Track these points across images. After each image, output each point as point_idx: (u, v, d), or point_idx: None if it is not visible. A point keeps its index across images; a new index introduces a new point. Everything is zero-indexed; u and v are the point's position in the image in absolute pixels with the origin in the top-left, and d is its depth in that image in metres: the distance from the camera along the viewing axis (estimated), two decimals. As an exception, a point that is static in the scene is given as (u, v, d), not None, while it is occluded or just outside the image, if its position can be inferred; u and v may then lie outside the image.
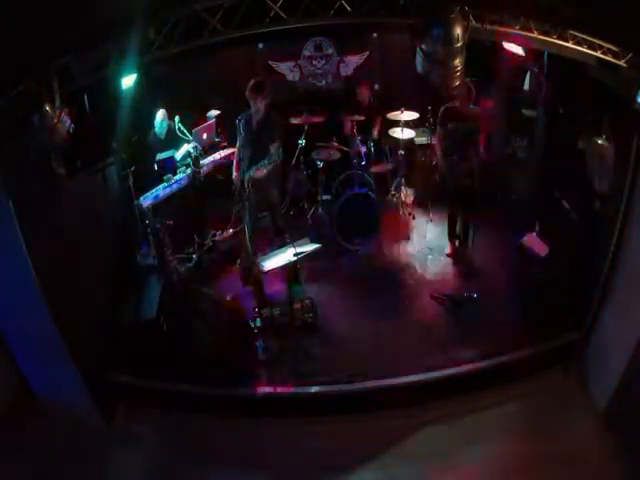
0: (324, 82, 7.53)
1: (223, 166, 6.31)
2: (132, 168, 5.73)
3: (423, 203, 6.90)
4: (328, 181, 6.54)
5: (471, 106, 5.51)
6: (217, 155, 6.32)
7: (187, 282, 5.78)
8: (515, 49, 5.16)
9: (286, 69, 7.42)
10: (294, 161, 6.65)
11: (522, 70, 6.23)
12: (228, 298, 5.57)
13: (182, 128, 5.93)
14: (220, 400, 4.73)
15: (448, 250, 6.17)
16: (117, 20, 3.27)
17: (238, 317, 5.25)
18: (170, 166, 5.78)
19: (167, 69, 5.50)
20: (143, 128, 6.00)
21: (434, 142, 6.17)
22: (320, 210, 6.57)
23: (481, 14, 3.69)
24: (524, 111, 6.38)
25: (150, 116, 5.92)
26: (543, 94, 5.66)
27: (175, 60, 3.79)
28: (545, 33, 3.79)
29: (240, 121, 5.25)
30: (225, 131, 6.45)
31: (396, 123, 6.54)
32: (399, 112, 6.44)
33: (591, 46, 3.79)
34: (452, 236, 6.18)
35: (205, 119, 6.43)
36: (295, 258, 4.66)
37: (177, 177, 5.82)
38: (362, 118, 6.53)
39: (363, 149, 6.49)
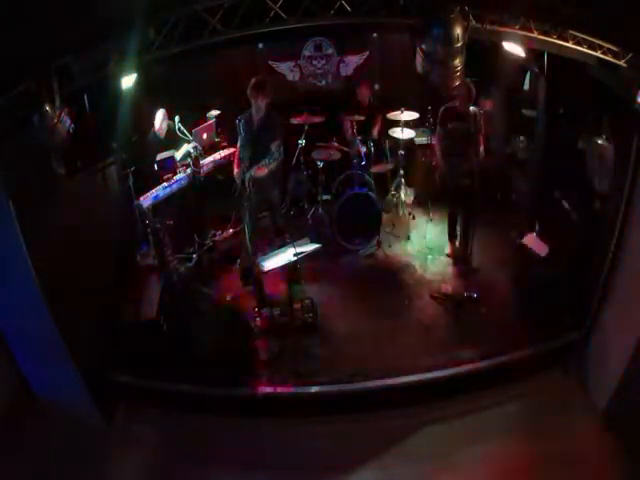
0: (324, 82, 7.53)
1: (223, 166, 6.31)
2: (132, 168, 5.73)
3: (423, 203, 6.91)
4: (328, 181, 6.54)
5: (471, 107, 5.51)
6: (217, 155, 6.32)
7: (187, 282, 5.78)
8: (515, 49, 5.15)
9: (286, 69, 7.42)
10: (294, 161, 6.65)
11: (522, 70, 6.23)
12: (228, 298, 5.57)
13: (182, 128, 5.93)
14: (220, 400, 4.73)
15: (448, 250, 6.18)
16: (117, 20, 3.28)
17: (238, 317, 5.25)
18: (170, 166, 5.77)
19: (167, 69, 5.50)
20: (143, 128, 5.99)
21: (434, 142, 6.17)
22: (320, 210, 6.57)
23: (481, 14, 3.70)
24: (524, 111, 6.37)
25: (150, 116, 5.91)
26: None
27: (175, 60, 3.80)
28: (545, 33, 3.80)
29: (240, 121, 5.26)
30: (225, 131, 6.45)
31: (396, 123, 6.54)
32: (399, 112, 6.44)
33: (591, 46, 3.80)
34: (452, 236, 6.19)
35: (205, 119, 6.43)
36: (295, 258, 4.66)
37: (177, 177, 5.82)
38: (362, 118, 6.53)
39: (363, 149, 6.48)
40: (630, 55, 3.70)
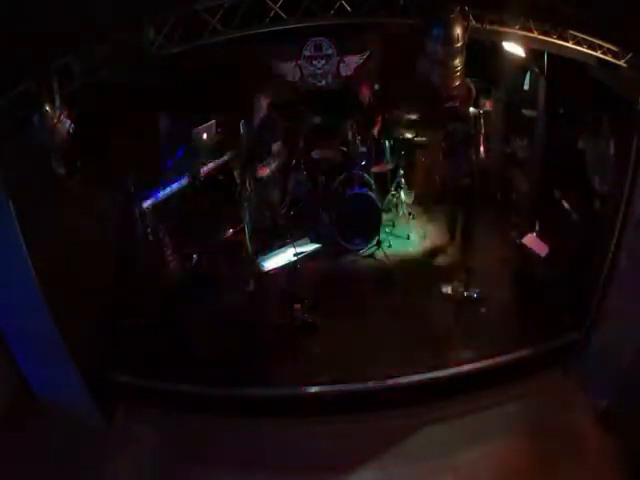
0: (324, 82, 7.52)
1: (223, 166, 6.31)
2: (132, 168, 5.72)
3: (423, 203, 6.91)
4: (328, 181, 6.54)
5: (471, 108, 5.51)
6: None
7: (187, 282, 5.78)
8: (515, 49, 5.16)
9: (286, 69, 7.42)
10: (294, 161, 6.65)
11: (522, 70, 6.23)
12: (228, 297, 5.57)
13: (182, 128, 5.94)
14: (220, 400, 4.73)
15: (448, 250, 6.17)
16: (117, 20, 3.27)
17: (238, 316, 5.25)
18: (170, 166, 5.77)
19: (167, 69, 5.49)
20: (143, 128, 5.99)
21: (434, 142, 6.17)
22: (320, 210, 6.57)
23: (481, 14, 3.70)
24: (524, 111, 6.37)
25: (150, 115, 5.91)
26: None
27: (175, 60, 3.79)
28: (545, 33, 3.80)
29: (241, 121, 5.26)
30: (225, 131, 6.45)
31: (396, 123, 6.54)
32: (402, 112, 6.43)
33: (591, 46, 3.80)
34: (452, 236, 6.19)
35: (205, 119, 6.43)
36: (295, 258, 4.67)
37: (177, 177, 5.82)
38: (362, 118, 6.52)
39: (363, 149, 6.48)
40: (630, 55, 3.70)
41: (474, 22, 3.65)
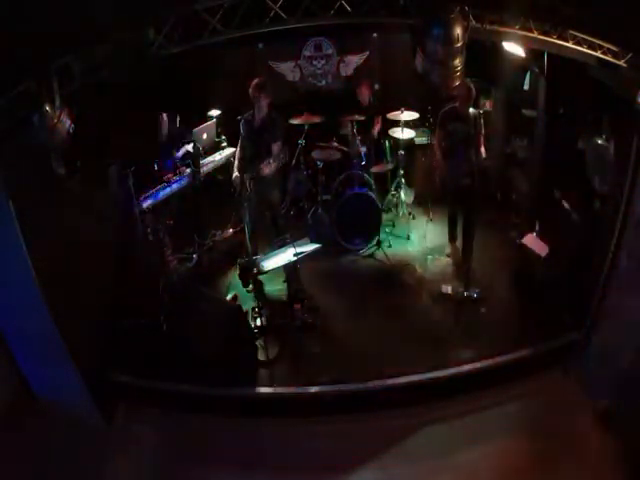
0: (324, 82, 7.53)
1: (223, 166, 6.31)
2: (132, 168, 5.73)
3: (423, 203, 6.91)
4: (328, 181, 6.54)
5: (471, 109, 5.50)
6: (217, 155, 6.33)
7: (187, 282, 5.78)
8: (515, 49, 5.16)
9: (286, 69, 7.42)
10: (294, 161, 6.65)
11: (522, 70, 6.23)
12: (228, 298, 5.57)
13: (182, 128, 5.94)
14: (220, 400, 4.73)
15: (448, 250, 6.17)
16: (117, 20, 3.27)
17: (238, 317, 5.24)
18: (170, 166, 5.77)
19: (167, 69, 5.50)
20: (143, 129, 5.99)
21: (434, 142, 6.17)
22: (320, 210, 6.57)
23: (481, 14, 3.70)
24: (524, 111, 6.37)
25: (150, 116, 5.91)
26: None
27: (176, 60, 3.79)
28: (545, 33, 3.80)
29: (241, 121, 5.26)
30: (225, 131, 6.45)
31: (396, 123, 6.55)
32: (399, 112, 6.44)
33: (591, 46, 3.80)
34: (452, 236, 6.19)
35: (205, 119, 6.43)
36: (295, 258, 4.66)
37: (177, 177, 5.82)
38: (362, 118, 6.53)
39: (363, 149, 6.49)
40: (630, 55, 3.70)
41: (474, 22, 3.65)
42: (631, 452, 3.91)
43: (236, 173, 5.39)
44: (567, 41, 3.80)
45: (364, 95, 6.77)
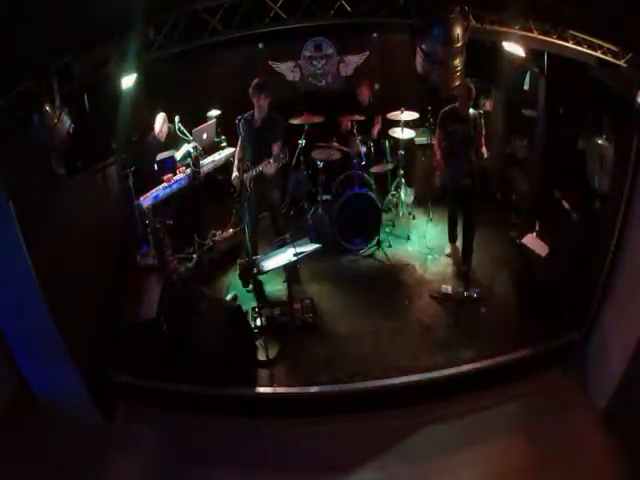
0: (324, 82, 7.53)
1: (223, 166, 6.31)
2: (132, 168, 5.73)
3: (423, 203, 6.91)
4: (328, 181, 6.54)
5: (471, 109, 5.50)
6: (217, 155, 6.33)
7: (187, 282, 5.77)
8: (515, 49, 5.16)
9: (286, 69, 7.42)
10: (294, 161, 6.66)
11: (522, 70, 6.23)
12: (228, 298, 5.57)
13: (182, 128, 5.94)
14: (220, 400, 4.73)
15: (448, 250, 6.18)
16: (117, 20, 3.27)
17: (238, 317, 5.24)
18: (170, 166, 5.78)
19: (167, 69, 5.50)
20: (143, 128, 5.99)
21: (434, 142, 6.17)
22: (320, 210, 6.58)
23: (481, 14, 3.69)
24: (524, 111, 6.37)
25: (150, 116, 5.91)
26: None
27: (175, 60, 3.80)
28: (545, 33, 3.79)
29: (240, 121, 5.26)
30: (225, 131, 6.45)
31: (396, 123, 6.54)
32: (399, 112, 6.44)
33: (591, 46, 3.79)
34: (452, 236, 6.19)
35: (205, 119, 6.43)
36: (295, 258, 4.67)
37: (177, 177, 5.82)
38: (362, 118, 6.53)
39: (363, 149, 6.48)
40: (630, 55, 3.70)
41: (474, 22, 3.65)
42: (631, 452, 3.91)
43: (236, 173, 5.39)
44: (567, 41, 3.80)
45: (364, 95, 6.77)
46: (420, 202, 6.99)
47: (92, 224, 5.02)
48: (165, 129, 5.89)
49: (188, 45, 3.58)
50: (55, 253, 4.17)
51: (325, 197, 6.59)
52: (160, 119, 5.84)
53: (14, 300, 4.06)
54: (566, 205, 5.43)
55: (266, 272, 4.85)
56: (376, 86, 7.39)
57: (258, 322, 5.20)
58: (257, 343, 4.97)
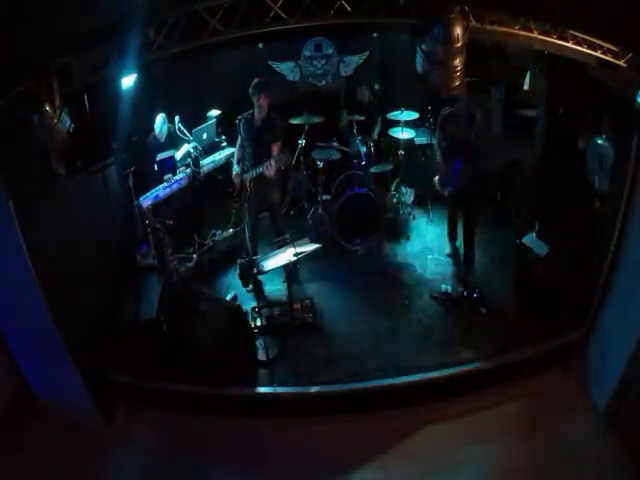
0: (324, 82, 7.53)
1: (223, 166, 6.31)
2: (132, 168, 5.73)
3: (423, 203, 6.91)
4: (328, 181, 6.54)
5: (471, 110, 5.50)
6: (217, 155, 6.33)
7: (187, 282, 5.78)
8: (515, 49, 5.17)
9: (286, 69, 7.43)
10: (294, 161, 6.65)
11: (522, 70, 6.24)
12: (228, 298, 5.57)
13: (182, 128, 5.94)
14: (220, 400, 4.73)
15: (448, 250, 6.18)
16: (117, 20, 3.27)
17: (238, 317, 5.24)
18: (170, 166, 5.78)
19: (167, 69, 5.50)
20: (143, 128, 5.99)
21: (434, 142, 6.18)
22: (320, 210, 6.57)
23: (481, 14, 3.69)
24: (524, 111, 6.37)
25: (150, 116, 5.92)
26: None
27: (175, 60, 3.79)
28: (545, 33, 3.79)
29: (240, 121, 5.25)
30: (225, 131, 6.45)
31: (396, 123, 6.54)
32: (399, 112, 6.44)
33: (591, 46, 3.79)
34: (452, 236, 6.19)
35: (205, 119, 6.43)
36: (295, 258, 4.67)
37: (177, 177, 5.83)
38: (362, 118, 6.53)
39: (363, 149, 6.49)
40: (630, 55, 3.70)
41: (474, 22, 3.64)
42: (631, 452, 3.91)
43: (236, 171, 5.38)
44: (567, 41, 3.79)
45: (364, 95, 6.77)
46: (420, 202, 6.99)
47: (92, 224, 5.02)
48: (165, 130, 5.90)
49: (188, 45, 3.57)
50: (55, 253, 4.17)
51: (325, 197, 6.59)
52: (160, 120, 5.85)
53: (14, 300, 4.06)
54: (566, 205, 5.43)
55: (266, 272, 4.85)
56: (376, 86, 7.39)
57: (258, 322, 5.20)
58: (257, 343, 4.97)
